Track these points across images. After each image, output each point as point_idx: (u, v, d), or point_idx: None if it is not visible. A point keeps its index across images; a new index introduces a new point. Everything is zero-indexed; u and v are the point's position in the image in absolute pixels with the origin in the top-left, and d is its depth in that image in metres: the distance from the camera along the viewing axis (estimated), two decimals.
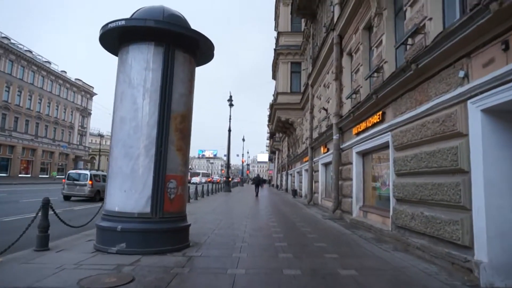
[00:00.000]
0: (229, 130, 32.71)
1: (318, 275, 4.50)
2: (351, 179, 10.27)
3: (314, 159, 17.06)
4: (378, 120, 7.96)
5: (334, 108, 11.74)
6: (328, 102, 13.96)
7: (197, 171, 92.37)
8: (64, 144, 55.82)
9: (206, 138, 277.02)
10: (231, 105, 32.40)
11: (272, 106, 24.66)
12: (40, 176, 51.83)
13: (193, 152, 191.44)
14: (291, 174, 31.67)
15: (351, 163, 10.27)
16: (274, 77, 30.43)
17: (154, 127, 6.00)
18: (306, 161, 20.50)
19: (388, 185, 8.09)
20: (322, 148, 14.89)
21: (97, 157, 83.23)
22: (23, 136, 48.63)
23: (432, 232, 5.31)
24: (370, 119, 8.51)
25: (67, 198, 16.58)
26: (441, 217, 5.08)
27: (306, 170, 21.43)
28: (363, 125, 9.13)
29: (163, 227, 5.88)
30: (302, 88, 22.83)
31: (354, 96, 10.09)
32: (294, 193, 23.58)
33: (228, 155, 33.48)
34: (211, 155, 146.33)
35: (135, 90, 6.09)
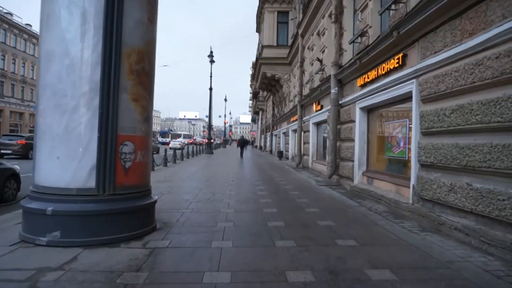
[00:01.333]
0: (210, 89, 30.58)
1: (342, 284, 3.01)
2: (352, 140, 8.77)
3: (304, 118, 15.48)
4: (396, 65, 6.30)
5: (332, 57, 9.98)
6: (323, 51, 12.15)
7: (178, 132, 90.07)
8: (34, 105, 52.15)
9: (188, 98, 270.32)
10: (211, 61, 30.00)
11: (256, 61, 22.54)
12: None
13: (174, 113, 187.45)
14: (276, 135, 30.21)
15: (353, 121, 8.73)
16: (258, 29, 27.92)
17: (97, 67, 4.18)
18: (294, 121, 18.92)
19: (403, 147, 6.63)
20: (314, 106, 13.27)
21: None
22: None
23: (487, 211, 3.87)
24: (383, 65, 6.83)
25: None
26: (506, 191, 3.62)
27: (294, 130, 19.91)
28: (372, 74, 7.47)
29: (116, 207, 4.24)
30: (290, 41, 20.75)
31: (359, 40, 8.33)
32: (280, 155, 22.21)
33: (209, 116, 31.58)
34: (194, 117, 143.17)
35: (67, 11, 4.17)
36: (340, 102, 9.71)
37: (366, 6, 8.03)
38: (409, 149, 6.49)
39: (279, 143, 26.37)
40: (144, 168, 4.78)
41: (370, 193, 7.31)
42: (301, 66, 15.92)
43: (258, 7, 24.14)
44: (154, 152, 25.00)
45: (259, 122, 56.09)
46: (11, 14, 50.86)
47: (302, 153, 15.87)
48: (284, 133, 24.30)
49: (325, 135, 12.96)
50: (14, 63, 50.99)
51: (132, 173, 4.48)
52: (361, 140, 8.38)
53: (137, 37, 4.51)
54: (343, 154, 9.43)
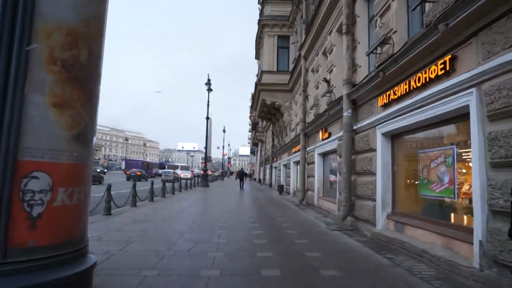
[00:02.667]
0: (207, 118, 29.18)
1: None
2: (372, 173, 7.05)
3: (308, 148, 13.82)
4: (440, 73, 4.69)
5: (343, 74, 8.45)
6: (331, 71, 10.67)
7: (176, 163, 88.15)
8: None
9: (187, 129, 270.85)
10: (209, 89, 28.77)
11: (255, 88, 21.23)
12: None
13: (173, 144, 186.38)
14: (276, 168, 28.42)
15: (373, 150, 7.04)
16: (257, 56, 26.95)
17: None
18: (296, 152, 17.27)
19: (449, 184, 4.90)
20: (320, 134, 11.64)
21: None
22: None
23: None
24: (419, 74, 5.23)
25: None
26: None
27: (297, 162, 18.21)
28: (400, 89, 5.87)
29: (11, 283, 2.48)
30: (291, 67, 19.52)
31: (378, 50, 6.83)
32: (281, 189, 20.34)
33: (206, 146, 30.01)
34: (192, 148, 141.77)
35: None
36: (354, 127, 8.07)
37: (388, 7, 6.55)
38: (460, 187, 4.78)
39: (279, 176, 24.55)
40: (73, 216, 3.03)
41: (403, 245, 5.48)
42: (305, 90, 14.47)
43: (258, 31, 23.17)
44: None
45: (258, 154, 54.45)
46: None
47: (305, 188, 14.06)
48: (284, 165, 22.57)
49: (334, 166, 11.25)
50: None
51: (45, 224, 2.74)
52: (384, 174, 6.65)
53: (67, 8, 2.91)
54: (360, 191, 7.66)
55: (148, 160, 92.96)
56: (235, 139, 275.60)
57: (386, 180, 6.63)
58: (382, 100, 6.62)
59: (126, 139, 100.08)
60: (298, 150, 16.57)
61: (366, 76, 7.52)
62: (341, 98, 8.74)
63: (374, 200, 6.86)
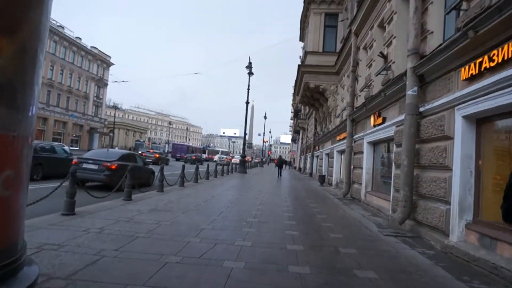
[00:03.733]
0: (247, 102, 28.03)
1: None
2: (446, 168, 5.42)
3: (356, 136, 12.15)
4: None
5: (409, 43, 6.73)
6: (390, 44, 8.91)
7: (216, 149, 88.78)
8: (73, 114, 52.76)
9: (229, 115, 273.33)
10: (250, 73, 27.59)
11: (298, 70, 19.57)
12: None
13: (216, 130, 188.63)
14: (317, 157, 26.76)
15: (449, 138, 5.40)
16: (302, 37, 25.14)
17: None
18: (341, 140, 15.59)
19: None
20: (372, 119, 9.97)
21: (116, 131, 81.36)
22: None
23: None
24: None
25: None
26: None
27: (341, 151, 16.56)
28: (503, 52, 4.18)
29: None
30: (339, 47, 17.65)
31: (464, 5, 5.11)
32: (322, 180, 18.75)
33: (245, 131, 28.89)
34: (233, 134, 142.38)
35: None
36: (421, 109, 6.41)
37: None
38: None
39: (320, 166, 22.93)
40: None
41: (499, 270, 3.90)
42: (354, 71, 12.71)
43: (303, 9, 21.34)
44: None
45: (299, 142, 52.74)
46: (62, 27, 52.47)
47: (351, 181, 12.46)
48: (327, 154, 20.89)
49: (385, 158, 9.58)
50: (62, 74, 52.16)
51: None
52: (464, 170, 5.02)
53: None
54: (425, 189, 6.05)
55: (192, 144, 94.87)
56: (277, 127, 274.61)
57: (467, 178, 5.00)
58: (467, 71, 4.92)
59: (170, 123, 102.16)
60: (344, 138, 14.91)
61: (441, 43, 5.81)
62: (402, 74, 7.05)
63: (448, 202, 5.25)
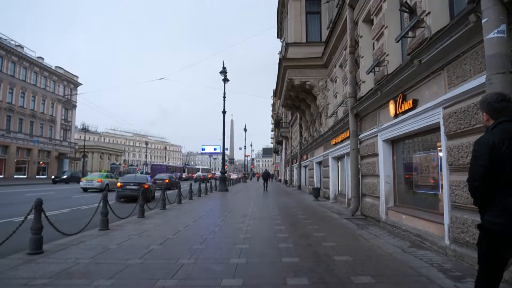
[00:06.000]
0: (224, 112, 25.08)
1: None
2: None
3: (363, 135, 9.30)
4: None
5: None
6: None
7: (197, 166, 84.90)
8: (35, 139, 48.39)
9: (209, 132, 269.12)
10: (225, 79, 24.75)
11: (279, 66, 16.65)
12: (15, 176, 44.82)
13: (195, 147, 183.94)
14: (305, 167, 23.85)
15: None
16: (280, 32, 22.50)
17: None
18: (337, 143, 12.74)
19: None
20: (391, 106, 7.13)
21: (89, 155, 76.58)
22: None
23: None
24: None
25: None
26: None
27: (337, 157, 13.72)
28: None
29: None
30: (324, 36, 15.01)
31: None
32: (316, 193, 15.71)
33: (223, 142, 25.77)
34: (213, 150, 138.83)
35: None
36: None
37: None
38: None
39: (311, 177, 19.98)
40: None
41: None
42: (353, 52, 9.93)
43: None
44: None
45: (283, 153, 49.85)
46: (21, 47, 48.60)
47: (360, 193, 9.54)
48: (319, 162, 18.00)
49: (414, 159, 6.75)
50: (23, 97, 48.07)
51: None
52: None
53: None
54: None
55: (172, 164, 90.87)
56: (258, 140, 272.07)
57: None
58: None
59: (146, 143, 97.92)
60: (342, 141, 12.09)
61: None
62: (457, 21, 4.25)
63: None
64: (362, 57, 9.56)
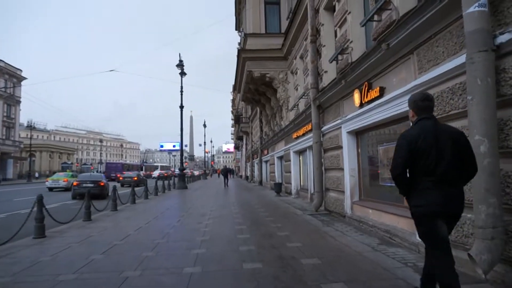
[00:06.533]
0: (181, 107, 24.07)
1: None
2: None
3: (326, 127, 8.94)
4: None
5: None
6: None
7: (155, 164, 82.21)
8: None
9: (168, 131, 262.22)
10: (182, 73, 23.71)
11: (238, 57, 15.93)
12: None
13: (154, 145, 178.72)
14: (267, 161, 23.49)
15: None
16: (238, 24, 21.84)
17: None
18: (299, 136, 12.38)
19: None
20: (356, 96, 6.78)
21: (37, 154, 71.37)
22: None
23: None
24: None
25: None
26: None
27: (299, 151, 13.43)
28: None
29: None
30: (284, 27, 14.58)
31: None
32: (278, 188, 15.33)
33: (181, 138, 24.75)
34: (172, 147, 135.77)
35: None
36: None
37: None
38: None
39: (273, 172, 19.63)
40: None
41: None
42: (314, 41, 9.52)
43: None
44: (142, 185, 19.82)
45: (243, 149, 49.35)
46: None
47: (324, 188, 9.21)
48: (280, 157, 17.66)
49: (379, 152, 6.47)
50: None
51: None
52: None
53: None
54: None
55: (128, 162, 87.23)
56: (218, 136, 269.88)
57: None
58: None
59: (101, 141, 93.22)
60: (303, 134, 11.75)
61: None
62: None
63: None
64: (324, 46, 9.19)
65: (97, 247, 5.55)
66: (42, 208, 6.57)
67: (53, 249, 5.46)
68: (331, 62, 8.12)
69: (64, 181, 22.66)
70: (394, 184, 6.00)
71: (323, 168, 9.26)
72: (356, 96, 6.78)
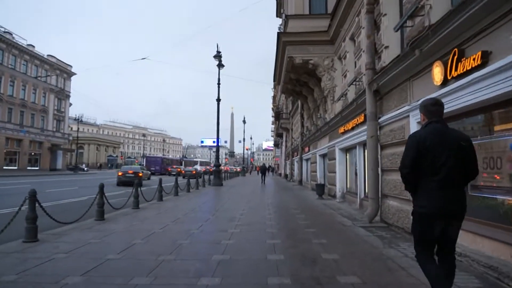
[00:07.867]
0: (218, 100, 22.88)
1: None
2: None
3: (386, 117, 7.03)
4: None
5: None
6: None
7: (195, 159, 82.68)
8: (23, 129, 46.26)
9: (210, 127, 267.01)
10: (219, 65, 22.53)
11: (278, 42, 14.25)
12: (5, 168, 42.99)
13: (196, 141, 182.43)
14: (307, 160, 21.60)
15: None
16: (279, 10, 20.14)
17: None
18: (348, 130, 10.47)
19: None
20: (435, 72, 4.89)
21: (86, 146, 74.41)
22: None
23: None
24: None
25: None
26: None
27: (346, 148, 11.50)
28: None
29: None
30: (331, 7, 12.70)
31: None
32: (320, 190, 13.41)
33: (217, 134, 23.56)
34: (212, 143, 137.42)
35: None
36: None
37: None
38: None
39: (314, 171, 17.73)
40: None
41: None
42: (372, 10, 7.63)
43: None
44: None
45: (283, 146, 47.55)
46: (10, 33, 46.27)
47: (380, 193, 7.32)
48: (323, 155, 15.76)
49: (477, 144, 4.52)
50: (12, 86, 45.88)
51: None
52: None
53: None
54: None
55: (168, 156, 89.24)
56: (258, 134, 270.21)
57: None
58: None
59: (144, 135, 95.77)
60: (353, 128, 9.87)
61: None
62: None
63: None
64: (385, 15, 7.26)
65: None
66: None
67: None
68: (396, 31, 6.22)
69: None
70: (500, 196, 4.15)
71: (379, 169, 7.36)
72: (437, 70, 4.88)
